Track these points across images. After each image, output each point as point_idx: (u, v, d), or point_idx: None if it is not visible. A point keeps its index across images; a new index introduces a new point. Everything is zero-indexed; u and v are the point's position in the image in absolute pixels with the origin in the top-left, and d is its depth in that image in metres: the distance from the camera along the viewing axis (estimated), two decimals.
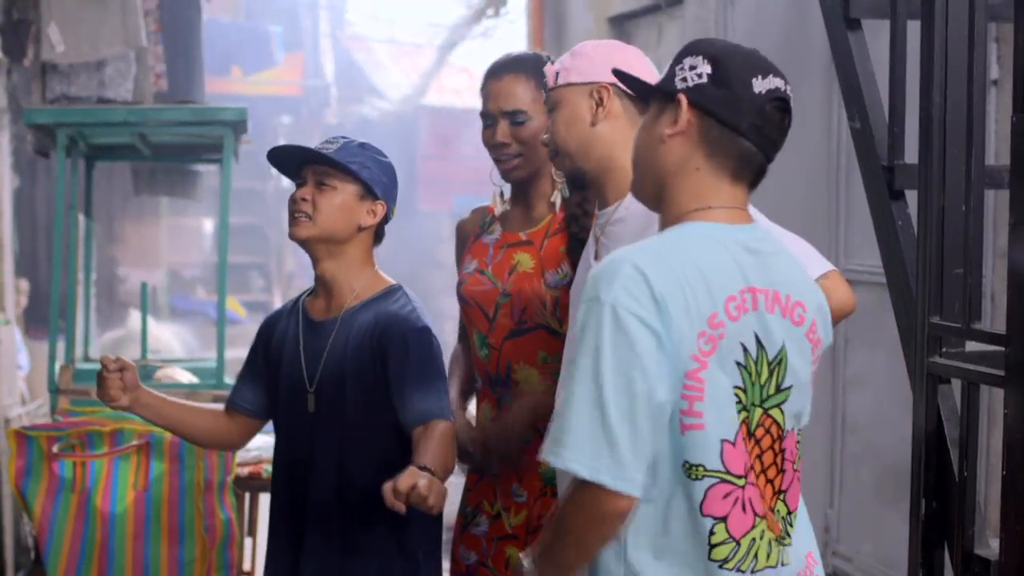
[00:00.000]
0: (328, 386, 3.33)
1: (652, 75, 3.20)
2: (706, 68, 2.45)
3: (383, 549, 3.31)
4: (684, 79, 2.47)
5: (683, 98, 2.45)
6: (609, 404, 2.27)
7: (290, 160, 3.39)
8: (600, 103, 3.16)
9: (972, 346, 3.30)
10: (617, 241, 3.13)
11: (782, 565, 2.45)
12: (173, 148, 6.69)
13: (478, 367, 3.67)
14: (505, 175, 3.66)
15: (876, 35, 4.01)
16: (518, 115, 3.60)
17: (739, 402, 2.38)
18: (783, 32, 6.15)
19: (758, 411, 2.41)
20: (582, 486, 2.30)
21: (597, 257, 3.21)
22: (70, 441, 4.63)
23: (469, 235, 3.82)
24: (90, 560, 4.59)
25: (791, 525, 2.49)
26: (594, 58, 3.20)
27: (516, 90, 3.62)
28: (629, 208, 3.14)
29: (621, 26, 8.40)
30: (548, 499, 3.54)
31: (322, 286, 3.42)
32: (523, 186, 3.66)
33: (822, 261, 2.89)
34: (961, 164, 3.23)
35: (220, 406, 3.62)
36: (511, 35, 14.85)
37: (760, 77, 2.45)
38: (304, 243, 3.36)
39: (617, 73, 2.85)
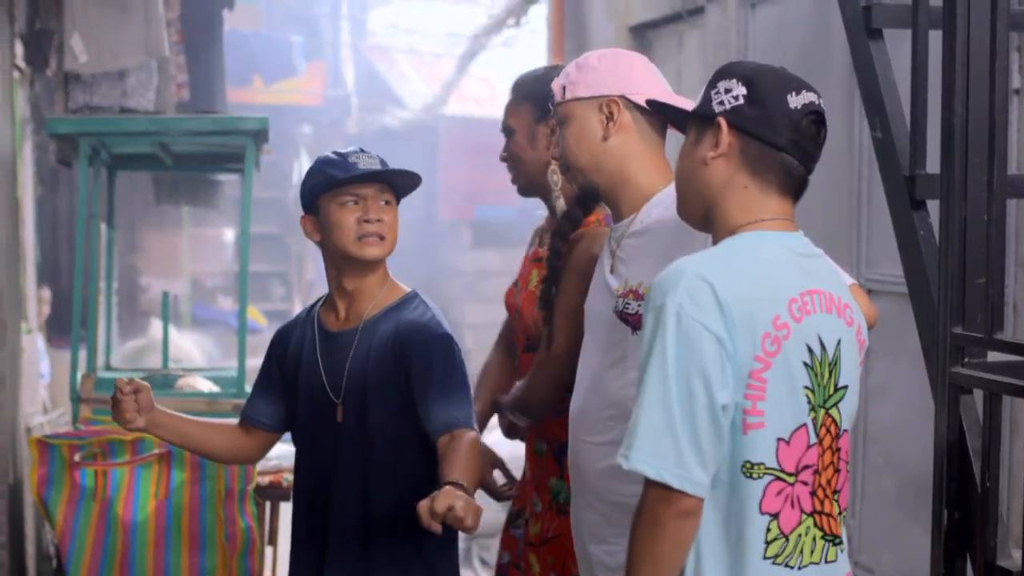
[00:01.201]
0: (353, 397, 3.34)
1: (658, 82, 3.21)
2: (741, 90, 2.54)
3: (404, 557, 3.33)
4: (721, 102, 2.55)
5: (722, 121, 2.54)
6: (674, 407, 2.35)
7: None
8: (610, 117, 3.15)
9: (994, 356, 3.28)
10: (639, 254, 3.12)
11: (827, 562, 2.52)
12: (194, 158, 6.71)
13: (516, 374, 3.73)
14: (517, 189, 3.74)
15: (897, 45, 4.01)
16: (507, 130, 3.70)
17: (809, 402, 2.47)
18: (804, 42, 6.14)
19: (821, 411, 2.49)
20: (648, 489, 2.37)
21: (612, 271, 3.20)
22: (92, 450, 4.64)
23: (530, 246, 3.88)
24: (111, 568, 4.60)
25: (842, 525, 2.56)
26: (600, 70, 3.18)
27: (508, 107, 3.74)
28: (646, 221, 3.13)
29: (642, 35, 8.40)
30: (555, 514, 3.56)
31: (343, 297, 3.42)
32: (544, 198, 3.70)
33: (844, 273, 2.90)
34: (983, 174, 3.22)
35: (235, 420, 3.63)
36: (532, 45, 14.85)
37: (794, 93, 2.53)
38: (375, 262, 3.37)
39: (653, 104, 2.91)
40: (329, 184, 3.32)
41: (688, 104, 2.76)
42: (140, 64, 6.59)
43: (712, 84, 2.58)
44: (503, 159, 3.75)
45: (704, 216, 2.61)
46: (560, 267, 3.43)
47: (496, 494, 3.82)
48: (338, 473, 3.35)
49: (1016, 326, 4.69)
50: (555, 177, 3.50)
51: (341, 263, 3.37)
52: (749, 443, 2.41)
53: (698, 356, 2.36)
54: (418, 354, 3.30)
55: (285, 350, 3.51)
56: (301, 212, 3.44)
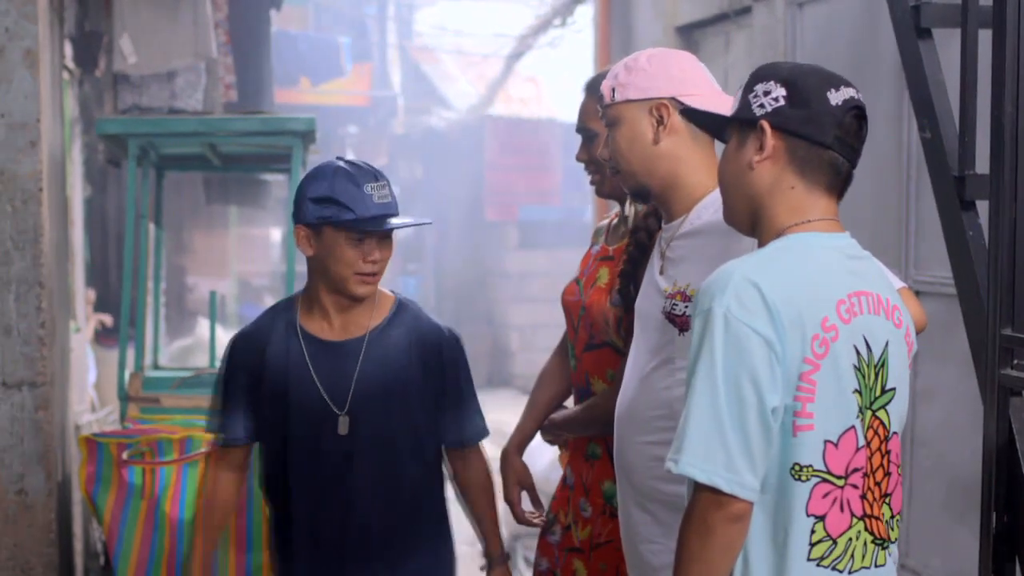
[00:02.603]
0: (364, 408, 3.33)
1: (708, 82, 3.19)
2: (780, 91, 2.53)
3: (422, 558, 3.44)
4: (761, 105, 2.54)
5: (766, 124, 2.53)
6: (723, 411, 2.34)
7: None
8: (661, 121, 3.13)
9: None
10: (688, 256, 3.11)
11: (876, 566, 2.51)
12: (242, 158, 6.74)
13: (571, 376, 3.70)
14: (595, 190, 3.69)
15: (947, 44, 3.98)
16: (587, 133, 3.63)
17: (857, 404, 2.46)
18: (853, 42, 6.11)
19: (868, 413, 2.48)
20: (698, 493, 2.37)
21: (662, 272, 3.19)
22: (139, 448, 4.67)
23: (592, 244, 3.83)
24: (159, 566, 4.63)
25: (893, 529, 2.54)
26: (650, 72, 3.16)
27: (586, 109, 3.64)
28: (695, 224, 3.12)
29: (689, 35, 8.38)
30: (607, 518, 3.53)
31: (338, 309, 3.39)
32: (620, 200, 3.67)
33: (894, 276, 2.88)
34: None
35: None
36: (578, 45, 14.86)
37: (834, 90, 2.52)
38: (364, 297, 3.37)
39: (687, 112, 2.90)
40: (342, 222, 3.26)
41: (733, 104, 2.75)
42: (188, 65, 6.63)
43: (749, 88, 2.57)
44: (582, 160, 3.67)
45: (751, 220, 2.60)
46: (643, 264, 3.42)
47: (522, 519, 3.75)
48: (353, 484, 3.35)
49: None
50: None
51: (331, 284, 3.34)
52: (798, 445, 2.40)
53: (747, 359, 2.35)
54: (444, 360, 3.42)
55: (260, 359, 3.40)
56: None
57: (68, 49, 6.80)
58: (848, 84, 2.54)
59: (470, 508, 3.57)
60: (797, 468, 2.41)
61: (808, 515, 2.42)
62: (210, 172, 7.75)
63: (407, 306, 3.46)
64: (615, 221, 3.72)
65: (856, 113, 2.53)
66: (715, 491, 2.34)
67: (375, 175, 3.30)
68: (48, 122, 5.18)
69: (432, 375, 3.40)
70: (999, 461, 3.26)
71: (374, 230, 3.27)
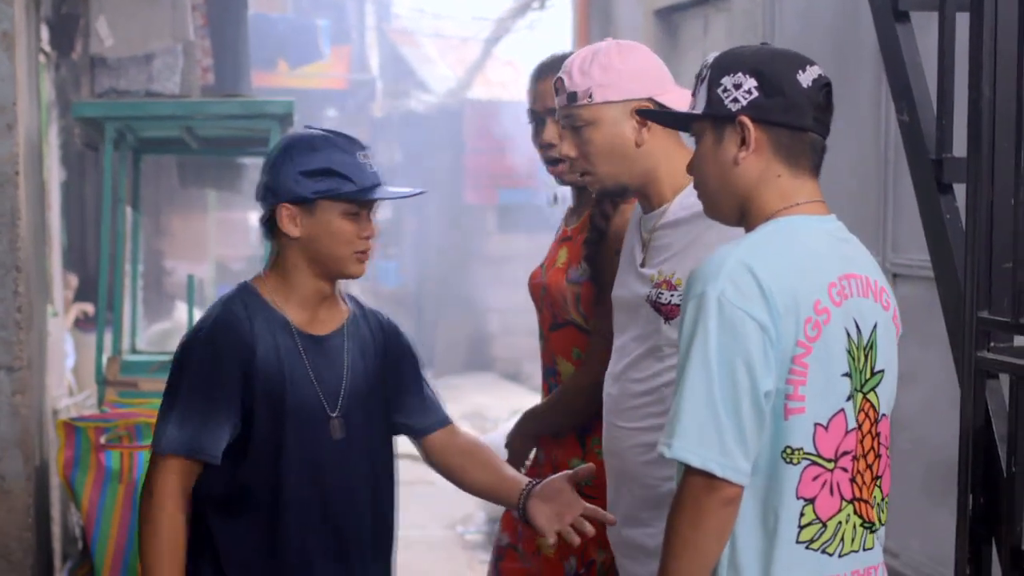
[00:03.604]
0: (353, 408, 3.07)
1: (670, 77, 3.18)
2: (751, 82, 2.50)
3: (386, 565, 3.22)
4: (735, 99, 2.51)
5: (746, 119, 2.50)
6: (716, 395, 2.34)
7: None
8: (643, 122, 3.12)
9: (1021, 341, 3.27)
10: (674, 244, 3.13)
11: (864, 550, 2.52)
12: (220, 142, 6.73)
13: (541, 356, 3.72)
14: (555, 177, 3.68)
15: (925, 28, 3.99)
16: (540, 116, 3.64)
17: (847, 387, 2.46)
18: (832, 25, 6.11)
19: (859, 396, 2.48)
20: (690, 478, 2.36)
21: (644, 263, 3.19)
22: (117, 432, 4.67)
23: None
24: (137, 550, 4.62)
25: (883, 512, 2.56)
26: (625, 72, 3.13)
27: (546, 92, 3.63)
28: (679, 213, 3.12)
29: (668, 18, 8.38)
30: None
31: (322, 298, 3.09)
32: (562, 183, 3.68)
33: None
34: (1010, 157, 3.21)
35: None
36: (557, 28, 14.84)
37: (801, 71, 2.50)
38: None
39: (644, 113, 2.87)
40: (343, 194, 2.98)
41: (685, 95, 2.72)
42: (166, 48, 6.60)
43: (715, 81, 2.53)
44: (550, 146, 3.63)
45: (739, 212, 2.58)
46: (601, 244, 3.45)
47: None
48: (351, 492, 3.06)
49: None
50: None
51: (323, 268, 3.04)
52: (789, 428, 2.40)
53: (742, 343, 2.34)
54: (402, 349, 3.21)
55: (251, 356, 2.98)
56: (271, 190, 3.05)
57: (44, 32, 6.77)
58: (811, 62, 2.53)
59: (477, 466, 3.19)
60: (788, 451, 2.41)
61: (797, 498, 2.42)
62: (188, 155, 7.72)
63: (355, 298, 3.23)
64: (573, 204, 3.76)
65: (826, 90, 2.52)
66: (708, 475, 2.34)
67: (360, 143, 3.04)
68: (24, 105, 5.15)
69: (393, 363, 3.18)
70: (976, 443, 3.27)
71: (381, 198, 3.00)
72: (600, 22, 9.50)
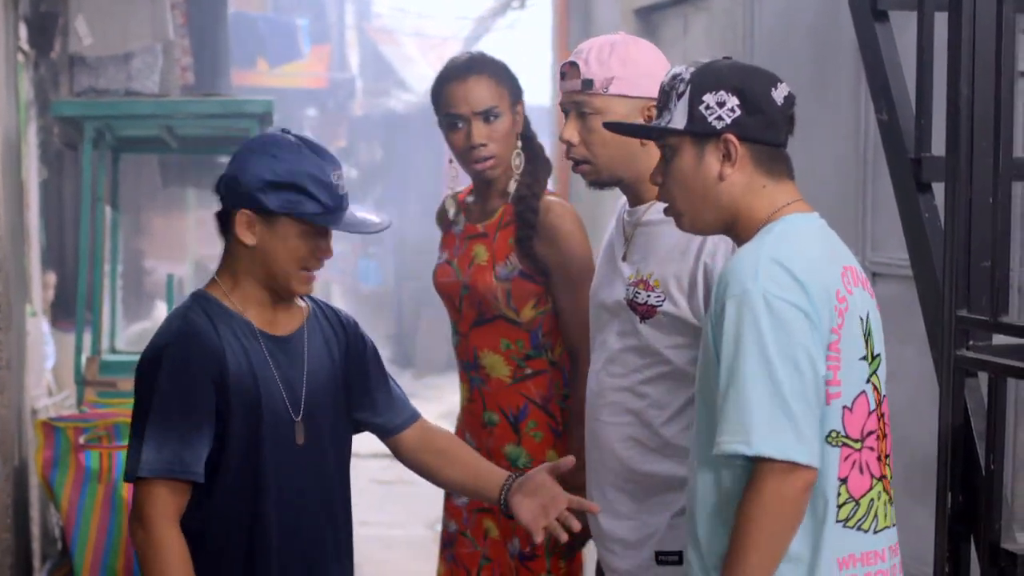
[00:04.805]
0: (314, 412, 2.96)
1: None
2: (734, 100, 2.58)
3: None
4: (719, 117, 2.58)
5: (732, 136, 2.57)
6: (783, 386, 2.41)
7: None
8: (650, 120, 3.12)
9: (999, 339, 3.28)
10: (651, 244, 3.15)
11: (892, 525, 2.64)
12: (200, 141, 6.71)
13: (455, 351, 3.79)
14: (480, 174, 3.71)
15: (903, 27, 3.99)
16: (491, 113, 3.65)
17: (867, 370, 2.56)
18: (811, 24, 6.12)
19: (874, 378, 2.59)
20: (767, 471, 2.42)
21: (625, 258, 3.20)
22: (97, 432, 4.66)
23: (446, 225, 3.86)
24: (116, 550, 4.62)
25: (892, 488, 2.66)
26: (641, 68, 3.14)
27: (483, 90, 3.68)
28: (664, 214, 3.13)
29: (647, 18, 8.38)
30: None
31: (278, 300, 2.97)
32: (484, 179, 3.71)
33: None
34: (989, 156, 3.21)
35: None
36: (536, 27, 14.83)
37: (774, 88, 2.61)
38: None
39: (612, 127, 2.90)
40: (307, 215, 2.84)
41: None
42: (145, 47, 6.59)
43: (696, 98, 2.59)
44: (479, 146, 3.70)
45: (726, 224, 2.66)
46: (533, 239, 3.55)
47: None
48: (307, 500, 2.94)
49: (1021, 309, 4.68)
50: (517, 161, 3.66)
51: (269, 279, 2.91)
52: (831, 413, 2.50)
53: (798, 335, 2.43)
54: (371, 347, 3.10)
55: (220, 366, 2.85)
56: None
57: (23, 30, 6.74)
58: (780, 79, 2.63)
59: (453, 462, 3.12)
60: (834, 435, 2.50)
61: (837, 479, 2.52)
62: (167, 155, 7.70)
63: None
64: (469, 199, 3.80)
65: (793, 104, 2.63)
66: (787, 465, 2.40)
67: (335, 160, 2.90)
68: (2, 104, 5.13)
69: (356, 361, 3.06)
70: (955, 441, 3.28)
71: (344, 230, 2.88)
72: (580, 21, 9.50)
